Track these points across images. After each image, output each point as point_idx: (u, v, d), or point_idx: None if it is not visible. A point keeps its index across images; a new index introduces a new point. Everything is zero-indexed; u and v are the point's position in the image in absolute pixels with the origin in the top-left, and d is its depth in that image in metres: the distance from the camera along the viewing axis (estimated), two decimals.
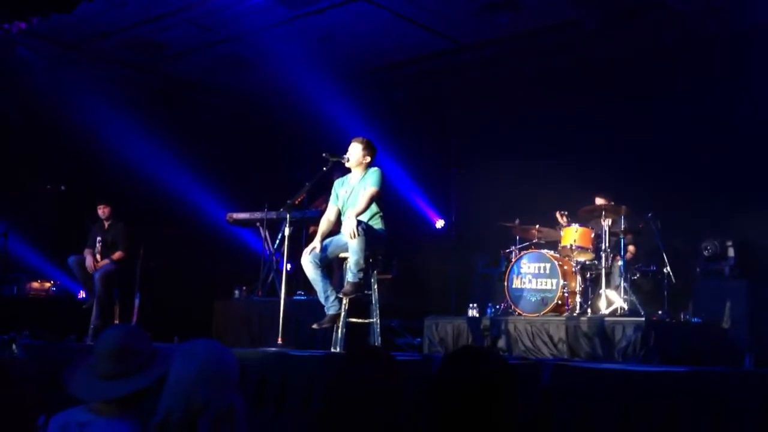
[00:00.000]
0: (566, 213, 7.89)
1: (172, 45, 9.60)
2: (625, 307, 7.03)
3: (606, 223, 7.41)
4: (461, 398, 2.17)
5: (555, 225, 8.05)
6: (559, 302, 7.32)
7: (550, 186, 8.59)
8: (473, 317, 7.62)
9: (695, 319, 7.45)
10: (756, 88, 7.73)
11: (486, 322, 7.39)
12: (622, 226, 7.39)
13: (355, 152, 6.12)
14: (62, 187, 9.88)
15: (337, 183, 6.35)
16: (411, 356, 6.65)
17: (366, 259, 5.85)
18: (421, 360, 5.31)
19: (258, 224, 9.54)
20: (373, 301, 6.09)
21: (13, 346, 6.61)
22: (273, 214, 8.49)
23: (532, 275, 7.56)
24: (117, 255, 8.40)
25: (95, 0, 6.79)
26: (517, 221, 8.25)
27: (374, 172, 6.11)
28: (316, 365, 4.94)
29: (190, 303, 9.30)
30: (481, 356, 2.29)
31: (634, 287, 7.29)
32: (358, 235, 5.71)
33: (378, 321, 6.08)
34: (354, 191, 6.14)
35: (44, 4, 6.69)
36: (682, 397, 3.71)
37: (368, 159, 6.16)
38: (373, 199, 6.01)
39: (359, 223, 5.81)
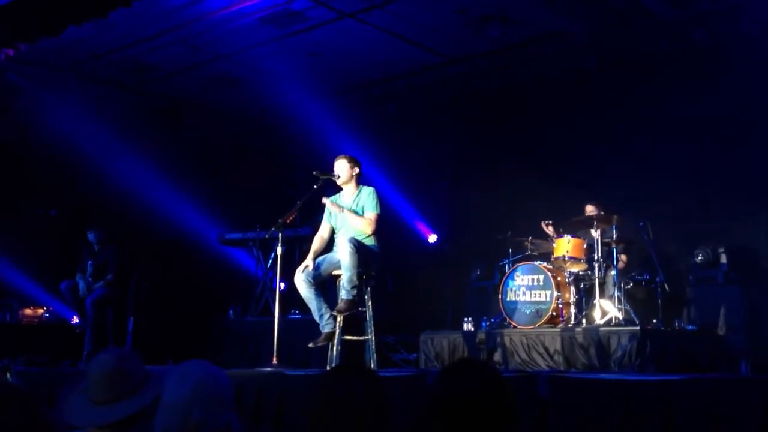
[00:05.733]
0: (551, 222, 7.90)
1: (162, 65, 9.62)
2: (620, 316, 7.03)
3: (598, 233, 7.42)
4: (458, 412, 2.16)
5: (547, 236, 8.07)
6: (554, 314, 7.31)
7: (542, 197, 8.62)
8: (468, 331, 7.61)
9: (690, 327, 7.46)
10: (745, 96, 7.78)
11: (481, 335, 7.38)
12: (614, 236, 7.40)
13: (343, 168, 6.14)
14: (53, 212, 9.83)
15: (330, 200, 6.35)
16: (407, 372, 6.65)
17: (359, 276, 5.85)
18: (417, 375, 5.30)
19: (250, 244, 9.54)
20: (368, 318, 6.08)
21: (8, 374, 6.57)
22: (265, 234, 8.47)
23: (526, 287, 7.56)
24: (108, 279, 8.35)
25: (83, 23, 6.78)
26: (509, 233, 8.26)
27: (371, 194, 6.11)
28: (313, 384, 4.92)
29: (184, 325, 9.27)
30: (477, 369, 2.29)
31: (627, 296, 7.29)
32: (349, 244, 5.73)
33: (373, 338, 6.06)
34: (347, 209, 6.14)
35: (32, 28, 6.69)
36: (679, 405, 3.71)
37: (356, 170, 6.19)
38: (374, 226, 6.04)
39: (351, 239, 5.82)
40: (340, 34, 8.65)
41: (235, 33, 8.60)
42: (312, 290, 5.97)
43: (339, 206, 6.08)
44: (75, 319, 8.71)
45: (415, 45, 8.96)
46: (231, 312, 9.20)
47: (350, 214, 6.05)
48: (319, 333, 6.03)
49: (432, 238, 10.22)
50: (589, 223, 7.55)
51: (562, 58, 9.06)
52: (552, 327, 7.17)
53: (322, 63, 9.41)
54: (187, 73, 9.83)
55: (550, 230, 7.89)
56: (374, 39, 8.75)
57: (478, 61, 9.44)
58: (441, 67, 9.63)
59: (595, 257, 7.34)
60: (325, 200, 6.19)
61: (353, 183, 6.19)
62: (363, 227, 6.02)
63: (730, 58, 7.94)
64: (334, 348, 5.96)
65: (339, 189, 6.30)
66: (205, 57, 9.36)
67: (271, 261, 9.20)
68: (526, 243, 8.13)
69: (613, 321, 7.00)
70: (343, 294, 5.85)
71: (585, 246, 7.53)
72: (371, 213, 6.05)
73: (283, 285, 6.94)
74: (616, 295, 7.15)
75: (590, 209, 7.82)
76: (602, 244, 7.42)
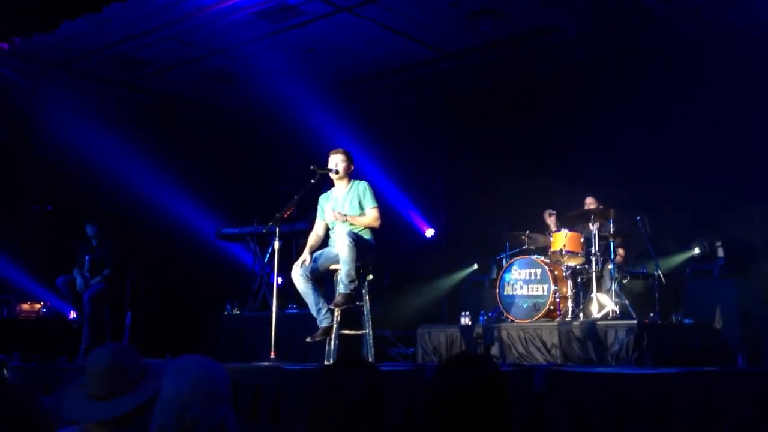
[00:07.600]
0: (555, 212, 7.90)
1: (156, 61, 9.60)
2: (617, 310, 7.04)
3: (595, 226, 7.42)
4: (457, 406, 2.16)
5: (544, 230, 8.07)
6: (551, 307, 7.32)
7: (538, 191, 8.62)
8: (466, 325, 7.61)
9: (687, 321, 7.47)
10: (738, 89, 7.79)
11: (479, 329, 7.39)
12: (611, 230, 7.41)
13: (341, 163, 6.13)
14: (49, 207, 9.81)
15: (323, 198, 6.32)
16: (405, 366, 6.65)
17: (357, 270, 5.84)
18: (414, 369, 5.31)
19: (248, 239, 9.53)
20: (365, 312, 6.07)
21: (4, 370, 6.56)
22: (262, 228, 8.46)
23: (523, 281, 7.57)
24: (105, 274, 8.34)
25: (77, 19, 6.76)
26: (506, 228, 8.27)
27: (366, 188, 6.10)
28: (311, 379, 4.92)
29: (181, 319, 9.27)
30: (476, 363, 2.28)
31: (624, 290, 7.30)
32: (348, 238, 5.72)
33: (371, 332, 6.05)
34: (340, 205, 6.13)
35: (26, 24, 6.66)
36: (675, 398, 3.71)
37: (352, 167, 6.20)
38: (380, 218, 6.04)
39: (349, 232, 5.81)
40: (335, 29, 8.63)
41: (229, 29, 8.57)
42: (309, 285, 5.96)
43: (342, 214, 6.05)
44: (72, 314, 8.70)
45: (409, 39, 8.95)
46: (228, 307, 9.19)
47: (355, 218, 6.03)
48: (317, 327, 6.02)
49: (429, 233, 10.22)
50: (586, 216, 7.56)
51: (554, 53, 9.06)
52: (549, 321, 7.19)
53: (317, 58, 9.39)
54: (181, 69, 9.82)
55: (552, 220, 7.87)
56: (369, 33, 8.74)
57: (473, 56, 9.44)
58: (435, 61, 9.63)
59: (593, 251, 7.35)
60: (329, 213, 6.15)
61: (346, 179, 6.18)
62: (370, 224, 6.03)
63: (722, 52, 7.95)
64: (332, 342, 5.95)
65: (333, 184, 6.28)
66: (198, 53, 9.34)
67: (268, 256, 9.19)
68: (523, 237, 8.13)
69: (610, 315, 7.01)
70: (341, 288, 5.84)
71: (582, 240, 7.54)
72: (372, 208, 6.04)
73: (280, 280, 6.93)
74: (613, 288, 7.16)
75: (590, 201, 7.82)
76: (599, 238, 7.43)
